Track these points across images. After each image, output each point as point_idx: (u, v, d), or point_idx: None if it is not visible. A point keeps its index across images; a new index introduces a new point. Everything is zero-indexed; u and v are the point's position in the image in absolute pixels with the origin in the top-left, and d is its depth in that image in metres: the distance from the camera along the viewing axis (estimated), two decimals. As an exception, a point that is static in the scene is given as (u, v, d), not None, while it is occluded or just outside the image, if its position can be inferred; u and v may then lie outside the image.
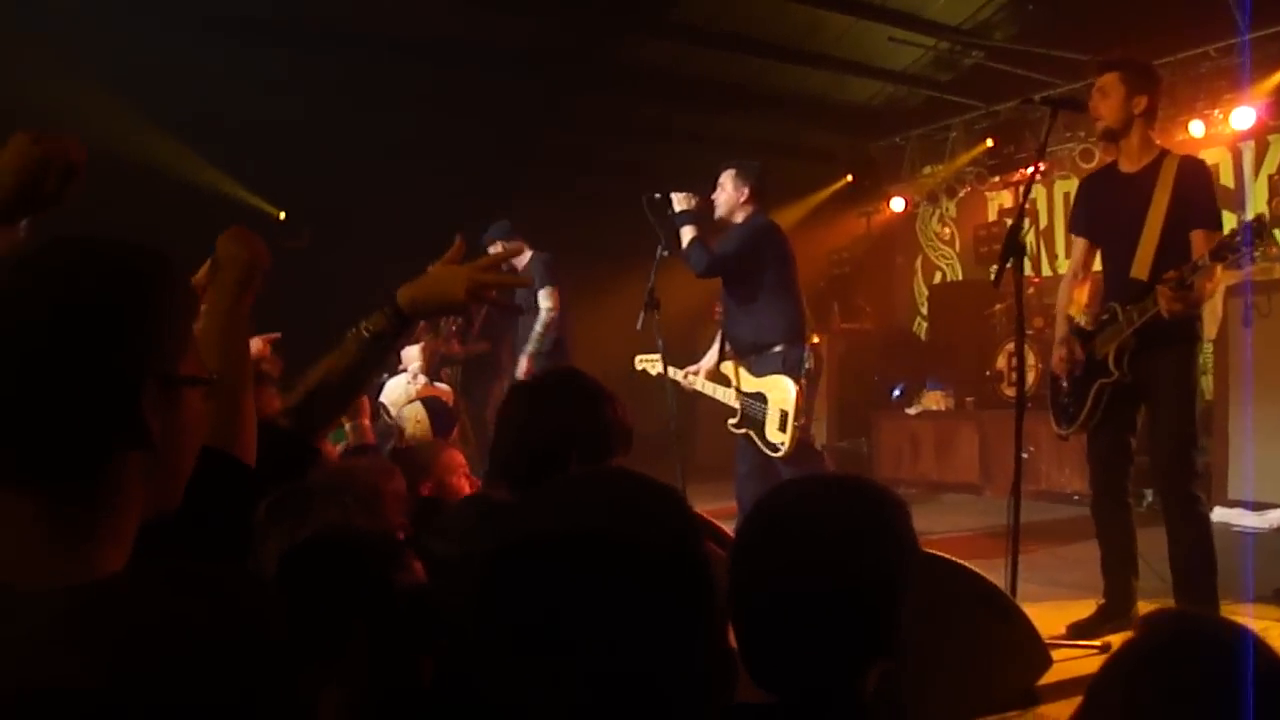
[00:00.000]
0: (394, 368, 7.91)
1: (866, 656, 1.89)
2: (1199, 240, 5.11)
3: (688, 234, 6.76)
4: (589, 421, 3.09)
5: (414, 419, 5.90)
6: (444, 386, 8.25)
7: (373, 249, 10.88)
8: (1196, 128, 10.60)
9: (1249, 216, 4.88)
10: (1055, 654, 4.61)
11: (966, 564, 4.44)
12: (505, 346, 9.79)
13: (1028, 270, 5.89)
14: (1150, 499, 7.47)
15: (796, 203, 14.09)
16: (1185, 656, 1.54)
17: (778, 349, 6.74)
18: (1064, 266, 10.00)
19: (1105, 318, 5.37)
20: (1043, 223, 12.93)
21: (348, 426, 5.53)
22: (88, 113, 8.70)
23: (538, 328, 8.49)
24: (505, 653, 1.34)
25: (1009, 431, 5.27)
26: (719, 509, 6.42)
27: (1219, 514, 7.77)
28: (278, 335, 5.34)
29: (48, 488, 1.34)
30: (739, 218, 6.93)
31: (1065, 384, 5.58)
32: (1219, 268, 4.99)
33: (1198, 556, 5.13)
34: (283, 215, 12.54)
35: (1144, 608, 5.15)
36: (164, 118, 10.04)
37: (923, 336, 14.50)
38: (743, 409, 6.84)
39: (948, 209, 14.30)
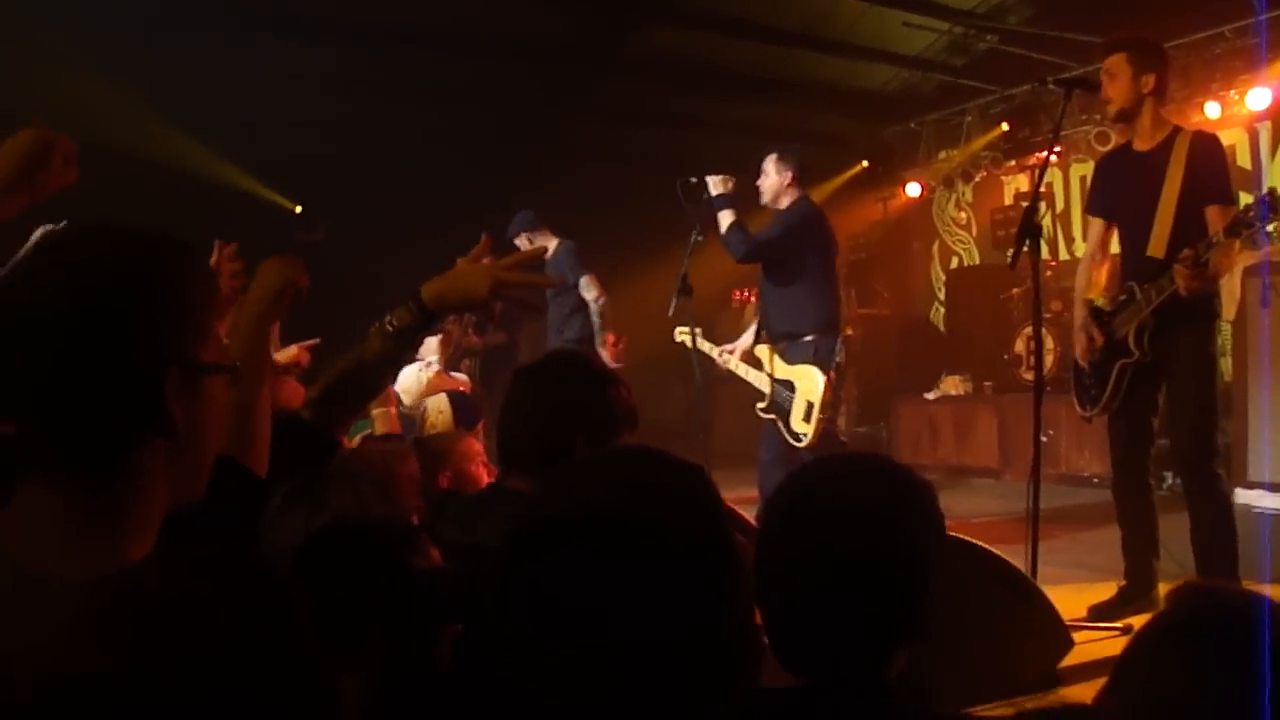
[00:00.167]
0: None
1: (894, 639, 1.89)
2: (1214, 216, 5.10)
3: (726, 218, 6.73)
4: (594, 404, 3.07)
5: (436, 409, 5.89)
6: (460, 376, 8.25)
7: (387, 241, 10.93)
8: (1212, 109, 10.54)
9: (1264, 192, 4.84)
10: (1076, 636, 4.62)
11: (988, 547, 4.44)
12: (522, 337, 9.81)
13: (1044, 253, 5.88)
14: (1170, 481, 7.45)
15: (812, 189, 14.00)
16: (1210, 629, 1.54)
17: (810, 338, 6.72)
18: (1080, 250, 9.98)
19: (1123, 298, 5.37)
20: (1059, 206, 12.87)
21: (375, 413, 5.53)
22: (101, 108, 8.72)
23: (596, 319, 8.40)
24: (529, 635, 1.33)
25: (1028, 415, 5.27)
26: (737, 496, 6.41)
27: (1238, 495, 7.74)
28: (317, 341, 5.35)
29: (74, 477, 1.35)
30: (783, 203, 6.90)
31: (1087, 366, 5.58)
32: (1236, 243, 4.97)
33: (1219, 534, 5.13)
34: (299, 209, 12.57)
35: (1165, 590, 5.14)
36: (179, 113, 10.06)
37: (940, 322, 14.47)
38: (772, 395, 6.82)
39: (964, 194, 14.25)
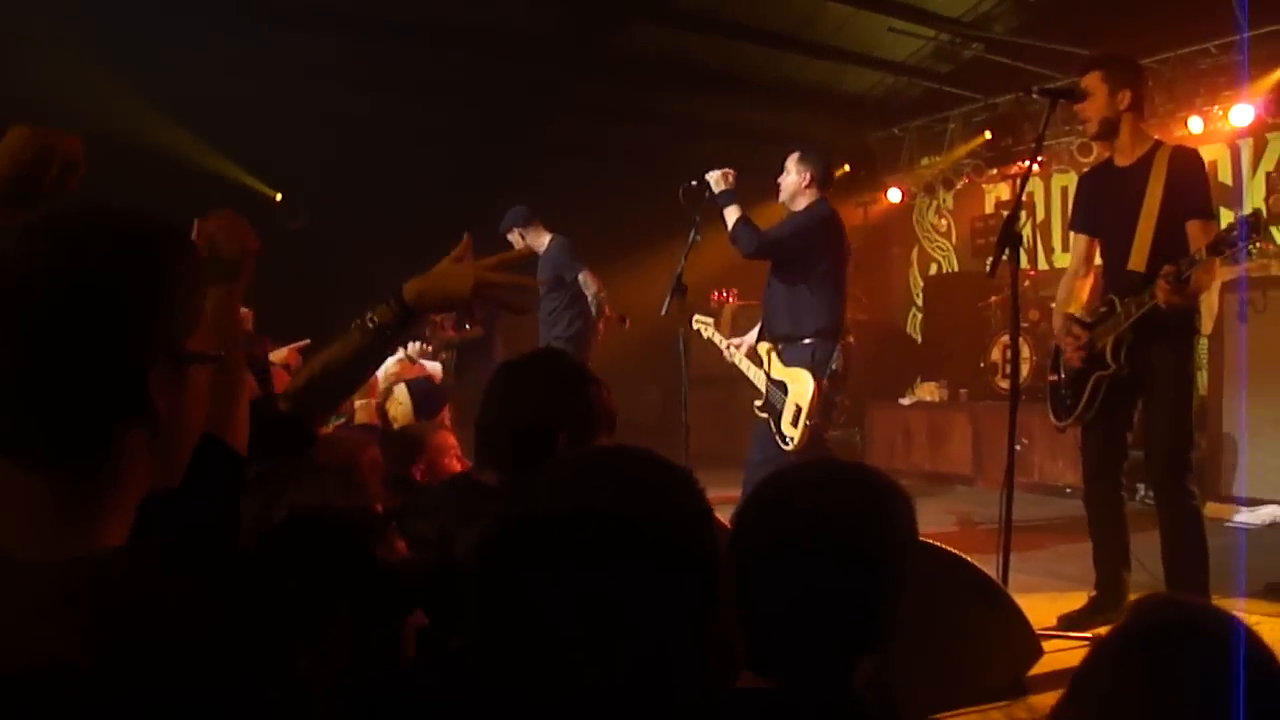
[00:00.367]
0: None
1: (860, 645, 1.89)
2: (1194, 231, 5.12)
3: (732, 214, 6.70)
4: (573, 402, 3.06)
5: (396, 401, 5.88)
6: (431, 365, 8.22)
7: (372, 235, 10.90)
8: (1195, 124, 10.57)
9: (1246, 211, 4.86)
10: (1046, 645, 4.63)
11: (959, 554, 4.45)
12: (498, 332, 9.80)
13: (1024, 263, 5.90)
14: (1142, 493, 7.48)
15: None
16: (1173, 641, 1.54)
17: (809, 341, 6.67)
18: (1060, 260, 10.03)
19: (1104, 310, 5.38)
20: (1039, 216, 12.92)
21: (358, 404, 5.51)
22: (83, 93, 8.67)
23: (594, 312, 8.42)
24: (511, 632, 1.33)
25: (1002, 423, 5.29)
26: (713, 496, 6.40)
27: (1211, 509, 7.78)
28: (307, 342, 5.34)
29: (55, 462, 1.34)
30: (800, 203, 6.85)
31: (1063, 376, 5.59)
32: (1217, 261, 5.00)
33: (1190, 550, 5.15)
34: (279, 197, 12.52)
35: (1135, 600, 5.16)
36: (160, 99, 10.01)
37: (918, 328, 14.50)
38: (767, 394, 6.82)
39: (945, 201, 14.28)
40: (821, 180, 6.84)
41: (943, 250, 14.50)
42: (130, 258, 1.40)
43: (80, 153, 2.22)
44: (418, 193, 11.59)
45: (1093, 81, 5.33)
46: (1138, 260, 5.21)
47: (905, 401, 12.27)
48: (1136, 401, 5.40)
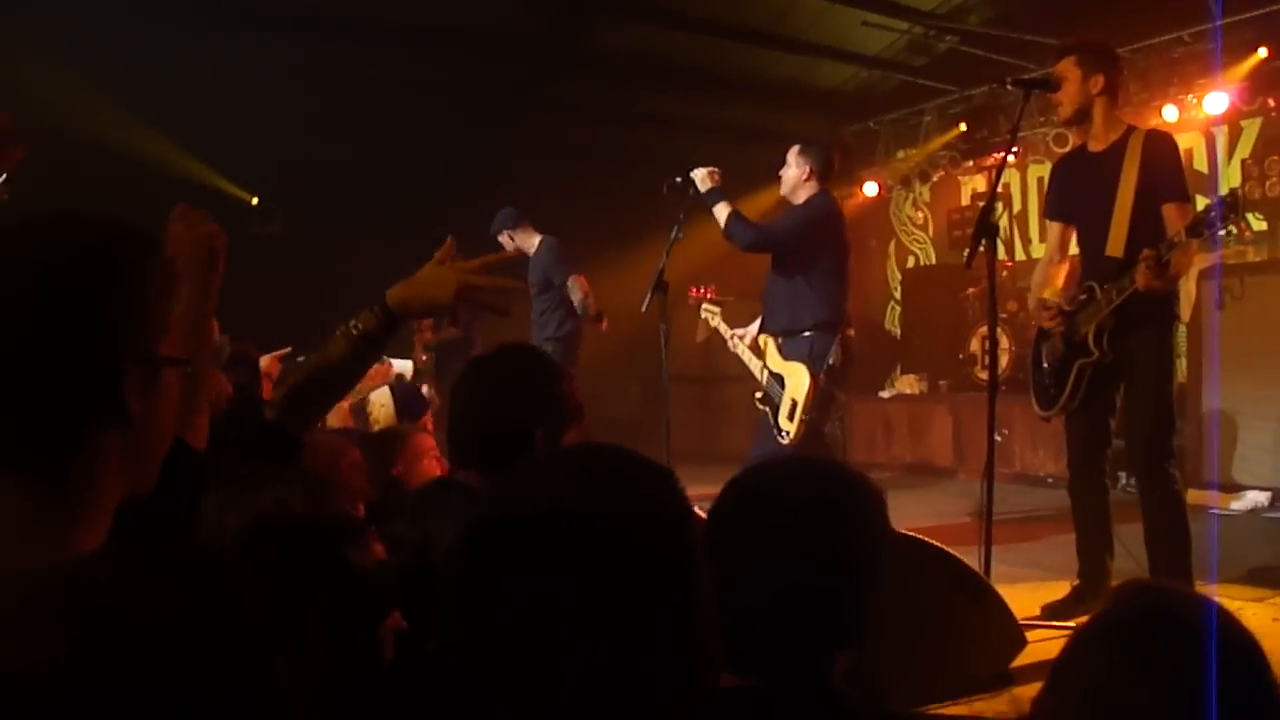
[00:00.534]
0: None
1: (832, 641, 1.89)
2: (1171, 214, 5.15)
3: (722, 210, 6.68)
4: (544, 397, 3.03)
5: (379, 403, 5.87)
6: (400, 364, 8.20)
7: (346, 234, 10.87)
8: (1170, 112, 10.61)
9: (1223, 192, 4.88)
10: (1029, 635, 4.63)
11: (941, 546, 4.45)
12: (477, 332, 9.78)
13: (1001, 254, 5.91)
14: (1125, 482, 7.50)
15: (769, 187, 14.05)
16: (1151, 628, 1.54)
17: (808, 334, 6.64)
18: (1038, 251, 10.03)
19: (1083, 297, 5.39)
20: (1016, 207, 12.96)
21: None
22: (58, 96, 8.63)
23: (581, 311, 8.39)
24: (492, 632, 1.32)
25: (982, 414, 5.30)
26: (695, 493, 6.39)
27: (1192, 496, 7.79)
28: (288, 350, 5.32)
29: (27, 466, 1.33)
30: (800, 197, 6.85)
31: (1046, 365, 5.60)
32: (1195, 244, 5.01)
33: (1173, 535, 5.16)
34: (255, 200, 12.47)
35: (1118, 589, 5.16)
36: (135, 103, 9.96)
37: (896, 321, 14.51)
38: (766, 387, 6.81)
39: (921, 193, 14.30)
40: (822, 173, 6.85)
41: (920, 243, 14.53)
42: (99, 262, 1.39)
43: (9, 127, 2.21)
44: (395, 195, 11.57)
45: (1066, 66, 5.35)
46: (1115, 246, 5.22)
47: (885, 394, 12.30)
48: (1119, 387, 5.41)
